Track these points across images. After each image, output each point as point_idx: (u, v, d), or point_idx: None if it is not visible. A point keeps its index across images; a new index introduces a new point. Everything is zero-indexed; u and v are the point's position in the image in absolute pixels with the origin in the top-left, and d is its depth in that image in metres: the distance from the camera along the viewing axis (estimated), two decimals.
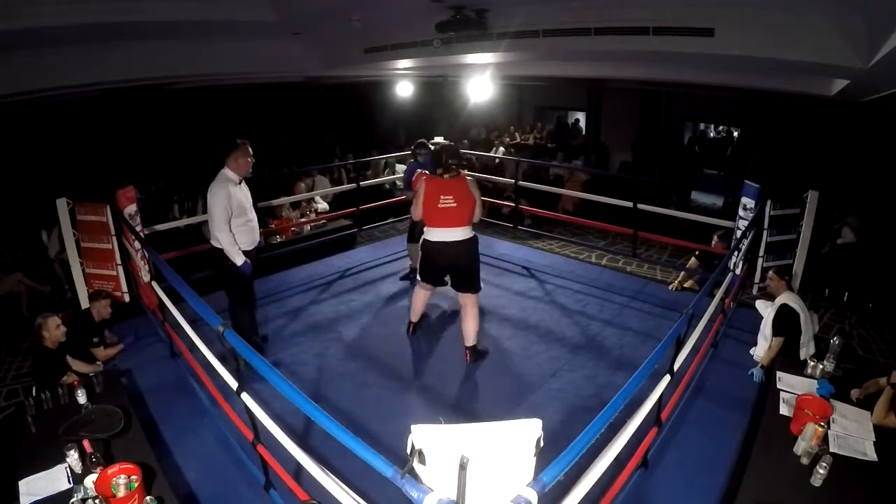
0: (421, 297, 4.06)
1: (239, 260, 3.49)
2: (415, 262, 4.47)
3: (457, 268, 3.68)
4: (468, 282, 3.70)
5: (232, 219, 3.45)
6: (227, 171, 3.48)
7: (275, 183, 7.44)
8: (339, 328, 4.33)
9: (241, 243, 3.54)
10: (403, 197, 7.19)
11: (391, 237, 6.68)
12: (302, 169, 7.74)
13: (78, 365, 3.48)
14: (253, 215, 3.68)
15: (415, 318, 4.16)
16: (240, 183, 3.54)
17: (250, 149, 3.53)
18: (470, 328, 3.76)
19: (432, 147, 4.73)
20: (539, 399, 3.45)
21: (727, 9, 3.23)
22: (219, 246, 3.48)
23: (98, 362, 3.71)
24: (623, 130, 9.56)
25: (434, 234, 3.59)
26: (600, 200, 5.99)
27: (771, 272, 3.83)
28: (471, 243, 3.63)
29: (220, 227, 3.41)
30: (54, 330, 3.27)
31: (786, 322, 3.50)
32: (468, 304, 3.73)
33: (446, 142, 6.04)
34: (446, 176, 3.57)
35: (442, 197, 3.52)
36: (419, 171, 4.65)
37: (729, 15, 3.23)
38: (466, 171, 3.87)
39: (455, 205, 3.52)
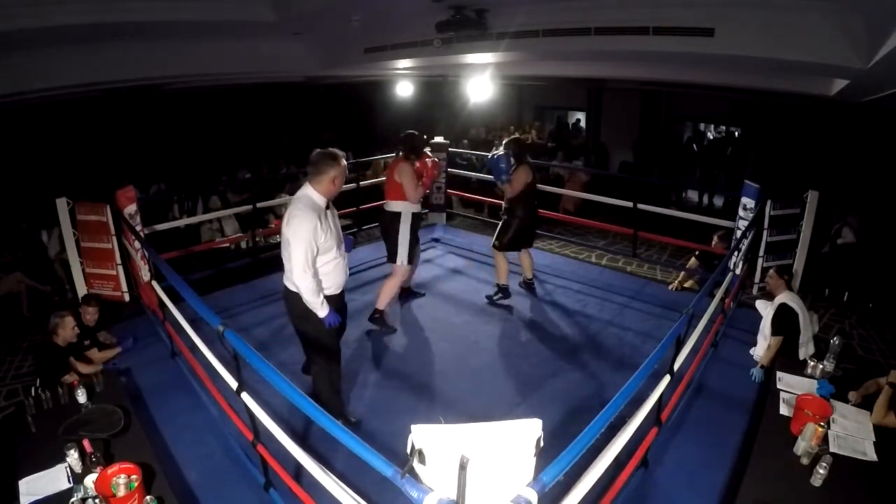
0: None
1: (322, 312, 2.75)
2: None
3: (382, 232, 4.32)
4: (387, 248, 4.23)
5: (318, 256, 2.70)
6: (311, 193, 2.68)
7: (275, 183, 7.46)
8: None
9: (328, 287, 2.79)
10: None
11: None
12: (302, 169, 7.74)
13: (81, 366, 3.49)
14: (343, 248, 2.92)
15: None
16: (328, 206, 2.79)
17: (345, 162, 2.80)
18: (380, 293, 4.21)
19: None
20: (539, 399, 3.45)
21: (727, 9, 3.23)
22: (296, 290, 2.73)
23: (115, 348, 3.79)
24: (623, 130, 9.56)
25: None
26: (600, 200, 6.00)
27: (771, 271, 3.83)
28: (389, 217, 4.11)
29: (301, 271, 2.61)
30: (70, 330, 3.37)
31: (784, 321, 3.50)
32: (391, 272, 4.22)
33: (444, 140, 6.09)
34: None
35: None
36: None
37: (729, 15, 3.23)
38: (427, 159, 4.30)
39: (385, 181, 4.25)
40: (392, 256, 4.16)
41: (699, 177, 9.08)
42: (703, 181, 8.94)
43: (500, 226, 4.66)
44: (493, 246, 4.67)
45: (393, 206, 4.10)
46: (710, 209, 8.37)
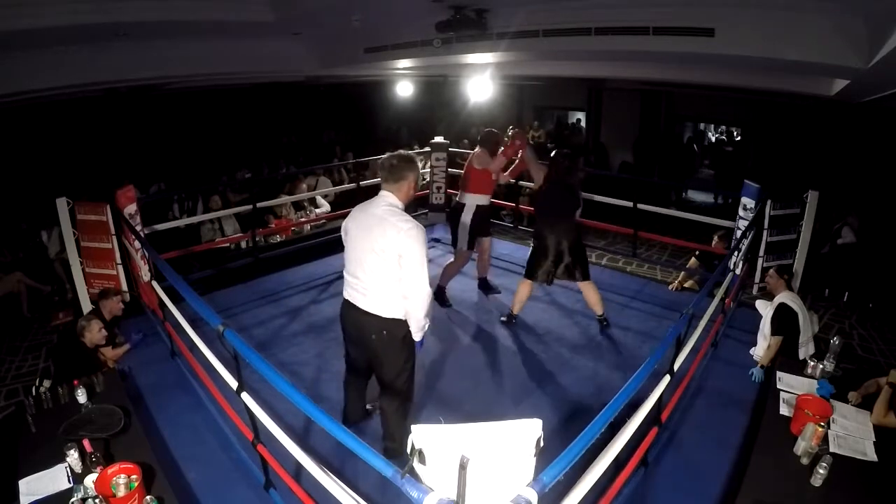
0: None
1: (422, 334, 2.57)
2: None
3: (448, 220, 4.84)
4: (451, 234, 4.63)
5: None
6: (395, 201, 2.48)
7: (274, 183, 7.46)
8: (339, 328, 4.32)
9: None
10: None
11: None
12: (303, 169, 7.75)
13: (112, 353, 3.62)
14: None
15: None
16: None
17: None
18: (443, 272, 4.61)
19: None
20: (539, 399, 3.45)
21: (727, 9, 3.23)
22: (392, 316, 2.47)
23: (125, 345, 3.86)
24: (623, 130, 9.57)
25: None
26: (600, 200, 5.99)
27: (771, 271, 3.83)
28: (457, 207, 4.53)
29: (428, 286, 2.40)
30: (97, 333, 3.48)
31: (784, 321, 3.50)
32: (455, 255, 4.63)
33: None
34: None
35: None
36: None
37: (729, 15, 3.24)
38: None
39: (462, 175, 4.60)
40: (454, 242, 4.55)
41: (714, 176, 9.05)
42: (720, 181, 8.92)
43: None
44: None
45: (463, 197, 4.46)
46: (726, 208, 8.28)
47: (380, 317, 2.48)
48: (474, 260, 4.90)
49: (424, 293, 2.40)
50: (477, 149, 4.49)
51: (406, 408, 2.76)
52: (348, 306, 2.60)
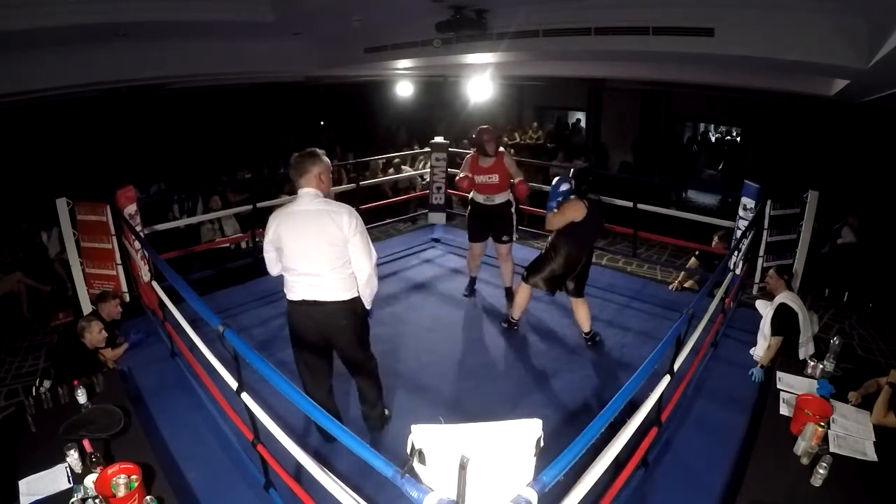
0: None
1: (370, 303, 2.81)
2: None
3: None
4: None
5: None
6: (319, 193, 2.55)
7: (274, 183, 7.46)
8: None
9: None
10: (401, 197, 7.21)
11: (391, 237, 6.68)
12: None
13: (111, 353, 3.61)
14: None
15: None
16: None
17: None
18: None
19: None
20: (539, 399, 3.45)
21: (727, 9, 3.24)
22: (352, 297, 2.64)
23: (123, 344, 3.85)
24: (623, 130, 9.58)
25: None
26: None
27: (771, 271, 3.83)
28: None
29: (374, 255, 2.64)
30: (97, 334, 3.47)
31: (784, 321, 3.50)
32: None
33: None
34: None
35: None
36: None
37: (729, 15, 3.24)
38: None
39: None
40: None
41: (722, 177, 9.04)
42: (727, 181, 8.91)
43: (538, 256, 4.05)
44: (521, 276, 4.06)
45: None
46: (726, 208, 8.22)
47: (342, 301, 2.61)
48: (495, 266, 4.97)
49: (373, 264, 2.65)
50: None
51: (377, 370, 2.98)
52: (307, 304, 2.62)
